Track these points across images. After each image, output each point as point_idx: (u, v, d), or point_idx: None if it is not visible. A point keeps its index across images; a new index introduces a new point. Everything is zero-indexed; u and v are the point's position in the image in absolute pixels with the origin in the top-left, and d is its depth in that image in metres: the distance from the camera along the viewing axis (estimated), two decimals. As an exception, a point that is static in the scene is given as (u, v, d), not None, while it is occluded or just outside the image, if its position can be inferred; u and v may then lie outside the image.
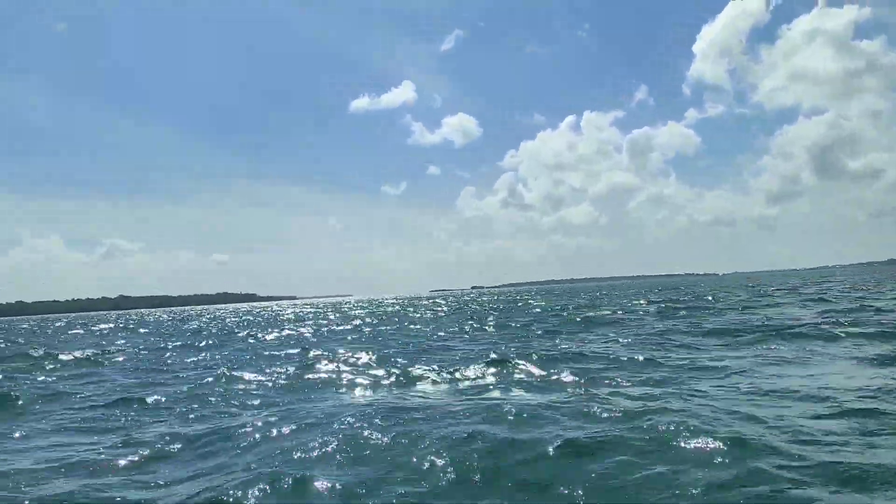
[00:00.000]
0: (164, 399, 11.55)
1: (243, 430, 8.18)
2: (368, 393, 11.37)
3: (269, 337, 28.30)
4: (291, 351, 19.87)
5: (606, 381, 10.92)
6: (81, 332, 48.51)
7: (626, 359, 13.62)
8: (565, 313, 34.05)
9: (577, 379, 11.20)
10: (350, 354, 16.70)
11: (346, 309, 73.92)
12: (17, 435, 9.25)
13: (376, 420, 8.17)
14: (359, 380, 12.70)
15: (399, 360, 15.59)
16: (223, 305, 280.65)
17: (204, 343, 26.43)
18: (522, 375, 12.16)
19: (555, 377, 11.60)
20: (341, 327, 33.99)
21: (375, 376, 12.99)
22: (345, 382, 12.54)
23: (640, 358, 13.61)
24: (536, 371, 12.41)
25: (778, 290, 49.64)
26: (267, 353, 20.04)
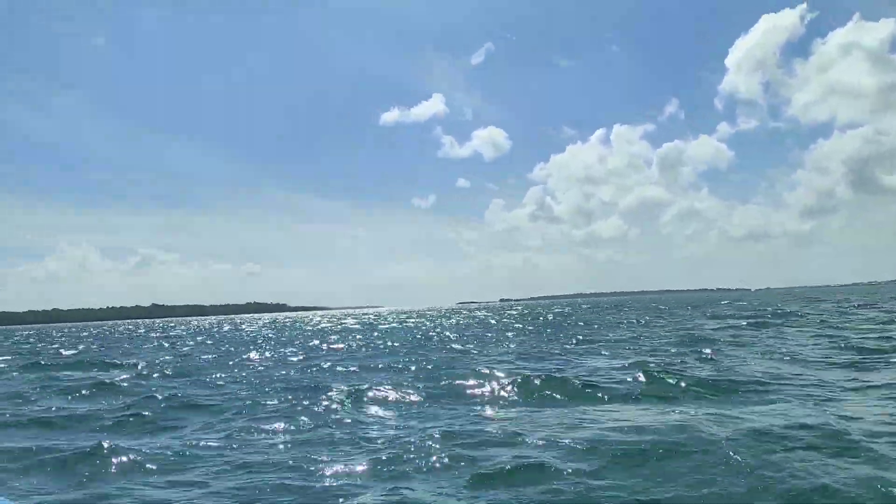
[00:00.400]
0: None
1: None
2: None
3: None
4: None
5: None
6: (165, 343, 41.21)
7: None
8: (670, 330, 32.13)
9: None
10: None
11: (438, 316, 72.57)
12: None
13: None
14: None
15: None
16: (257, 315, 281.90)
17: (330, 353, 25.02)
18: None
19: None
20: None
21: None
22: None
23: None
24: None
25: (858, 305, 47.11)
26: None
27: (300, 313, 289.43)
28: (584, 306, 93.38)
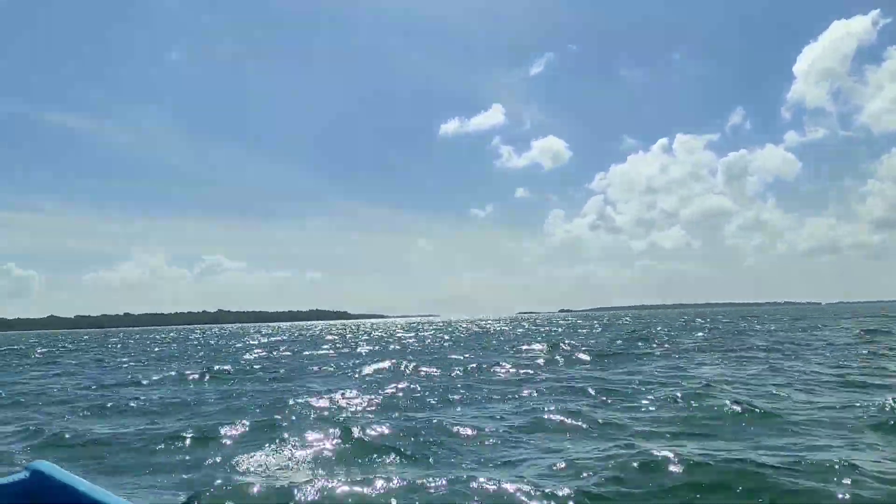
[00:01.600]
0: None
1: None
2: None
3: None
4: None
5: None
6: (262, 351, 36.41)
7: None
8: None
9: None
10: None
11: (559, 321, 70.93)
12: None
13: None
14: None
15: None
16: (317, 322, 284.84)
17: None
18: None
19: None
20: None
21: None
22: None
23: None
24: None
25: None
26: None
27: (367, 321, 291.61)
28: (685, 318, 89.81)
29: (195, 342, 51.45)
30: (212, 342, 51.07)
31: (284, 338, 54.54)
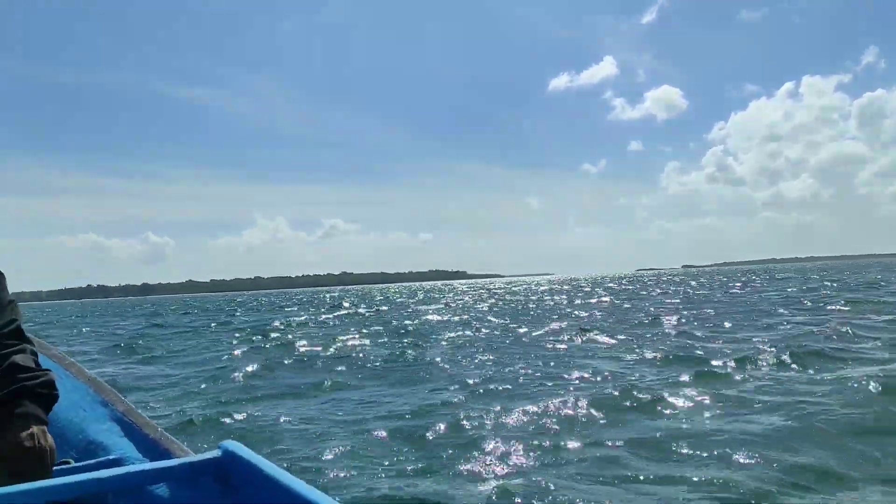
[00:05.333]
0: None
1: None
2: None
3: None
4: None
5: None
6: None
7: None
8: None
9: None
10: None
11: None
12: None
13: None
14: None
15: None
16: (435, 282, 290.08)
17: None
18: None
19: None
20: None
21: None
22: None
23: None
24: None
25: None
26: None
27: (486, 280, 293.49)
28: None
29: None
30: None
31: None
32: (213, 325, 28.63)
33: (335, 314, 32.17)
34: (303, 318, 30.15)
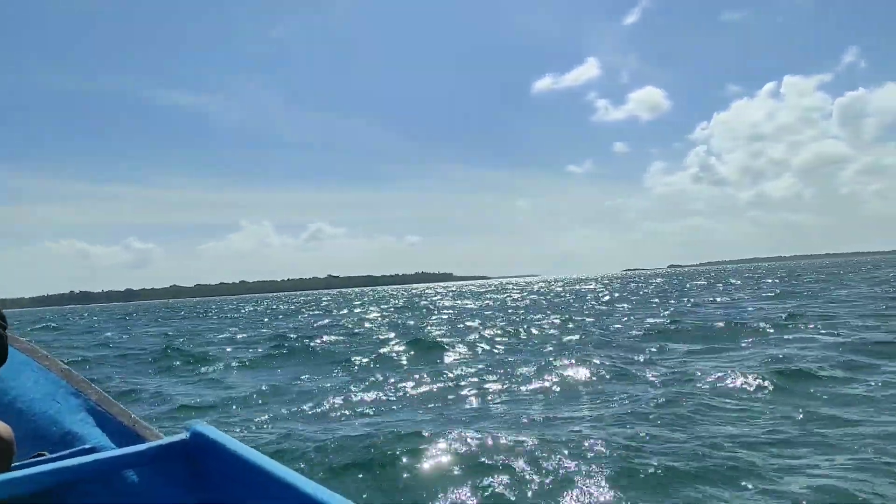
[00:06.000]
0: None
1: None
2: None
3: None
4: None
5: None
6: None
7: None
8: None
9: None
10: None
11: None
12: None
13: None
14: None
15: None
16: (422, 285, 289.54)
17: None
18: None
19: None
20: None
21: None
22: None
23: None
24: None
25: None
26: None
27: (476, 282, 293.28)
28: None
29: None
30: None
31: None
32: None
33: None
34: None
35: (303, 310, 48.09)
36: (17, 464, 1.81)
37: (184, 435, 1.70)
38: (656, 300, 32.32)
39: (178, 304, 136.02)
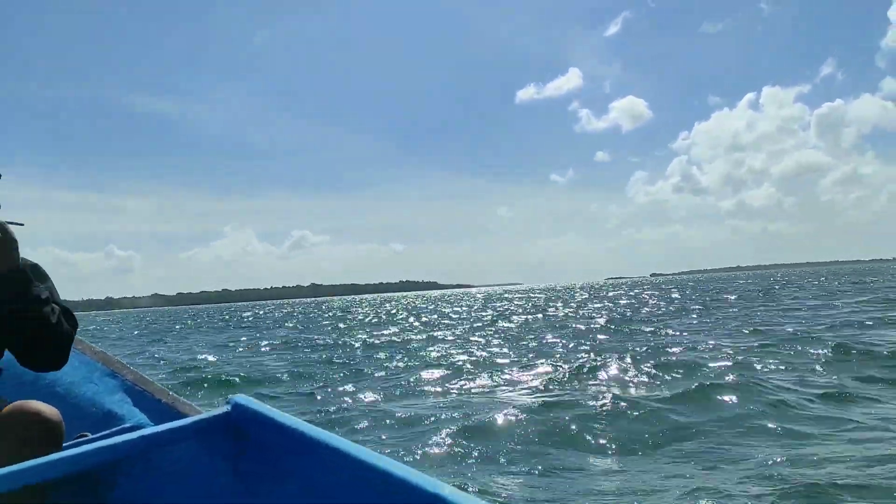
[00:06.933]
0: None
1: None
2: None
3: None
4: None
5: None
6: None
7: None
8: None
9: None
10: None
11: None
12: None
13: None
14: None
15: None
16: (409, 293, 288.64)
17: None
18: None
19: None
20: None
21: None
22: None
23: None
24: None
25: None
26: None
27: (451, 291, 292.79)
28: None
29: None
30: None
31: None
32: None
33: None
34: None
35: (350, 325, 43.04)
36: (64, 444, 1.82)
37: (225, 408, 1.68)
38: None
39: (163, 312, 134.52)
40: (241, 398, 1.67)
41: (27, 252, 1.99)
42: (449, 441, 6.58)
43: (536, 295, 77.46)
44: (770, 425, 6.62)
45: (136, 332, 37.81)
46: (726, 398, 7.79)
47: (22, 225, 1.93)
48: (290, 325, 36.57)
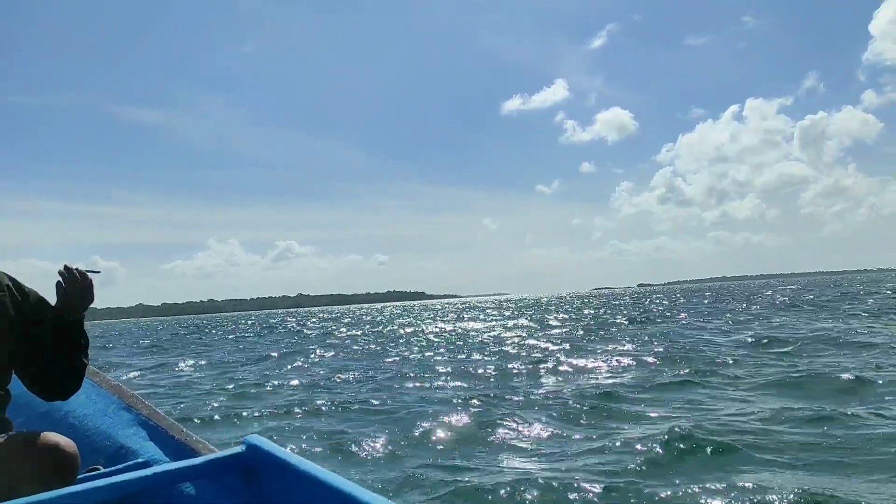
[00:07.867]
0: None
1: None
2: None
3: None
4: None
5: None
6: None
7: None
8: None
9: None
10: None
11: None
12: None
13: None
14: None
15: None
16: (395, 303, 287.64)
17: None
18: None
19: None
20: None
21: None
22: None
23: None
24: None
25: None
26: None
27: (438, 301, 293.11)
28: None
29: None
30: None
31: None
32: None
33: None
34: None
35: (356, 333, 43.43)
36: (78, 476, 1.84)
37: (239, 448, 1.69)
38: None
39: (149, 324, 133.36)
40: (256, 438, 1.68)
41: (8, 265, 2.04)
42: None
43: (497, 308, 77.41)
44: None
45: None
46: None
47: (99, 273, 2.07)
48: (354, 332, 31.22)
